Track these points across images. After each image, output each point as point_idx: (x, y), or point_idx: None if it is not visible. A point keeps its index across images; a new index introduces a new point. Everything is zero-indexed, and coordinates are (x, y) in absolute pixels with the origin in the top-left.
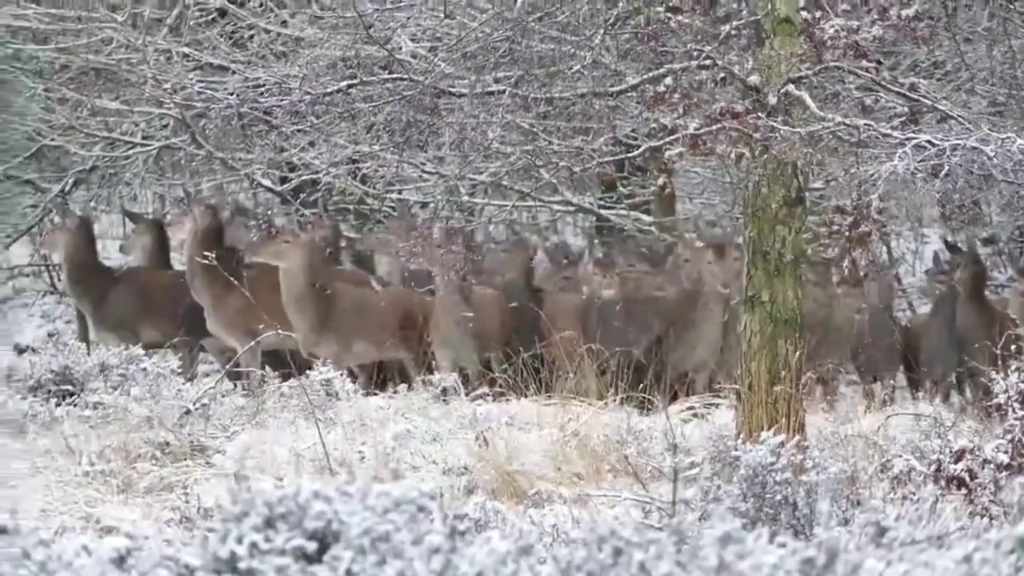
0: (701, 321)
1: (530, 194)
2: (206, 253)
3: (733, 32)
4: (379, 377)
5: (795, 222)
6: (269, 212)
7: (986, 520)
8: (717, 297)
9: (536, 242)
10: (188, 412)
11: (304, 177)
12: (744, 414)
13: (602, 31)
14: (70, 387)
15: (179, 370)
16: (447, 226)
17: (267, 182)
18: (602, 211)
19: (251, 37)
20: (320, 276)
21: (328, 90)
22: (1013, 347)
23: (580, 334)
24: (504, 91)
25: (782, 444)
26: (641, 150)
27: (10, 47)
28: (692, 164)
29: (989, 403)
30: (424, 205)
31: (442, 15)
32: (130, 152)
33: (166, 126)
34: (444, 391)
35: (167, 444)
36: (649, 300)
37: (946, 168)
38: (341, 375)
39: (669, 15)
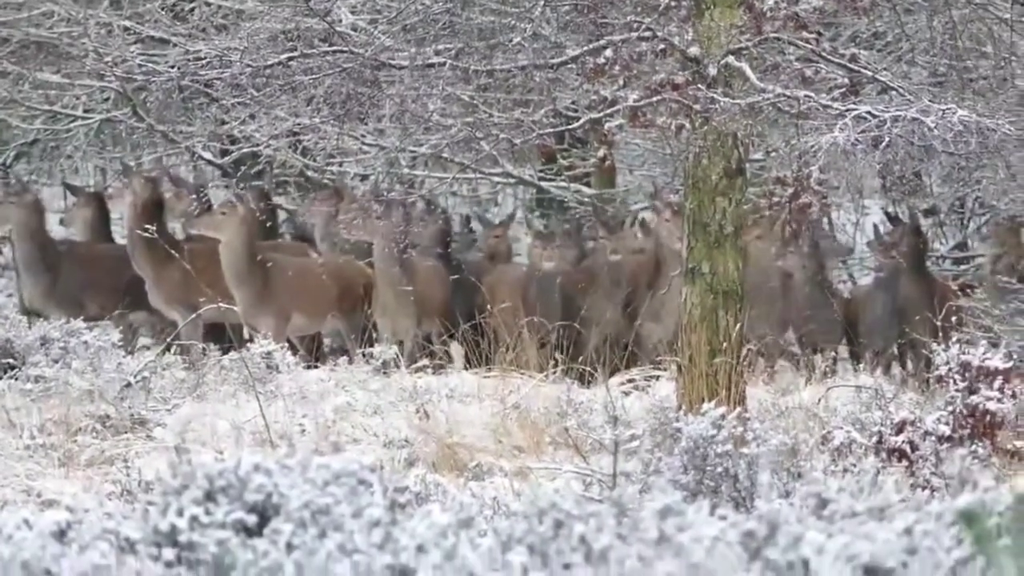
0: (665, 284)
1: (470, 166)
2: (146, 226)
3: (673, 3)
4: (318, 349)
5: (735, 194)
6: (204, 186)
7: (927, 492)
8: (677, 257)
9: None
10: (129, 385)
11: (245, 150)
12: (684, 386)
13: (542, 3)
14: (11, 360)
15: (120, 343)
16: (386, 197)
17: (208, 155)
18: (542, 183)
19: (192, 10)
20: (259, 248)
21: (268, 63)
22: (954, 319)
23: (521, 306)
24: (444, 63)
25: (723, 416)
26: (581, 122)
27: None
28: (632, 136)
29: (930, 375)
30: (364, 177)
31: None
32: (71, 125)
33: (107, 99)
34: (384, 363)
35: (108, 417)
36: (611, 267)
37: (886, 139)
38: (281, 348)
39: None
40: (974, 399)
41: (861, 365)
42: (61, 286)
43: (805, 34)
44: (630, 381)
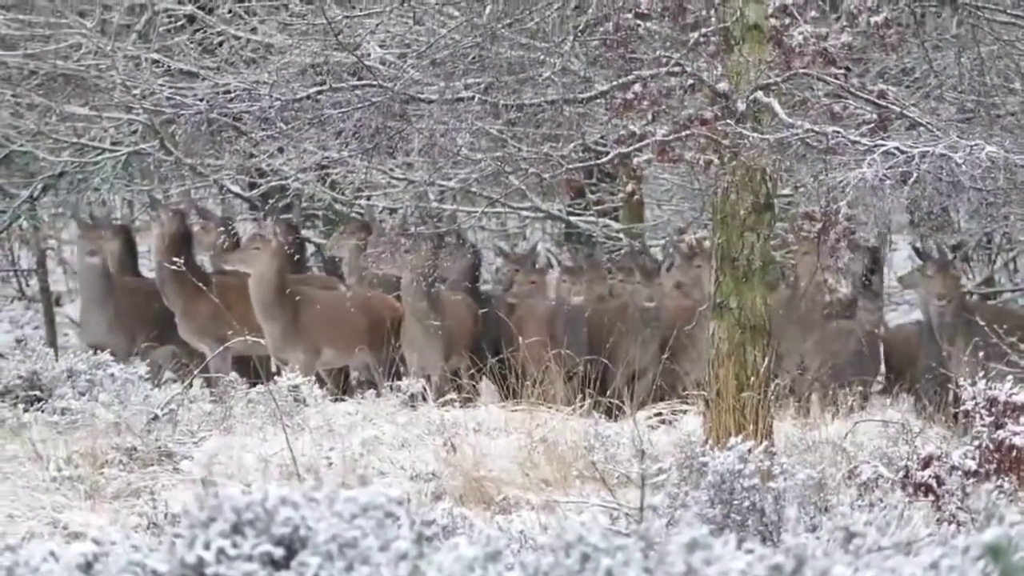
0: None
1: (499, 200)
2: (174, 259)
3: (702, 39)
4: (345, 382)
5: (763, 228)
6: (231, 219)
7: (954, 527)
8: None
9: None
10: (156, 418)
11: (273, 183)
12: (712, 420)
13: (571, 38)
14: (38, 393)
15: (147, 376)
16: (415, 231)
17: (236, 188)
18: (571, 217)
19: (220, 43)
20: (288, 282)
21: (297, 96)
22: (981, 354)
23: (548, 340)
24: (473, 97)
25: (750, 450)
26: (610, 156)
27: None
28: (661, 171)
29: (957, 410)
30: (393, 211)
31: (411, 21)
32: (99, 158)
33: (135, 132)
34: (412, 397)
35: (135, 450)
36: (644, 311)
37: (915, 175)
38: (309, 381)
39: (638, 22)
40: (1000, 434)
41: (889, 399)
42: (119, 319)
43: (833, 70)
44: (657, 415)
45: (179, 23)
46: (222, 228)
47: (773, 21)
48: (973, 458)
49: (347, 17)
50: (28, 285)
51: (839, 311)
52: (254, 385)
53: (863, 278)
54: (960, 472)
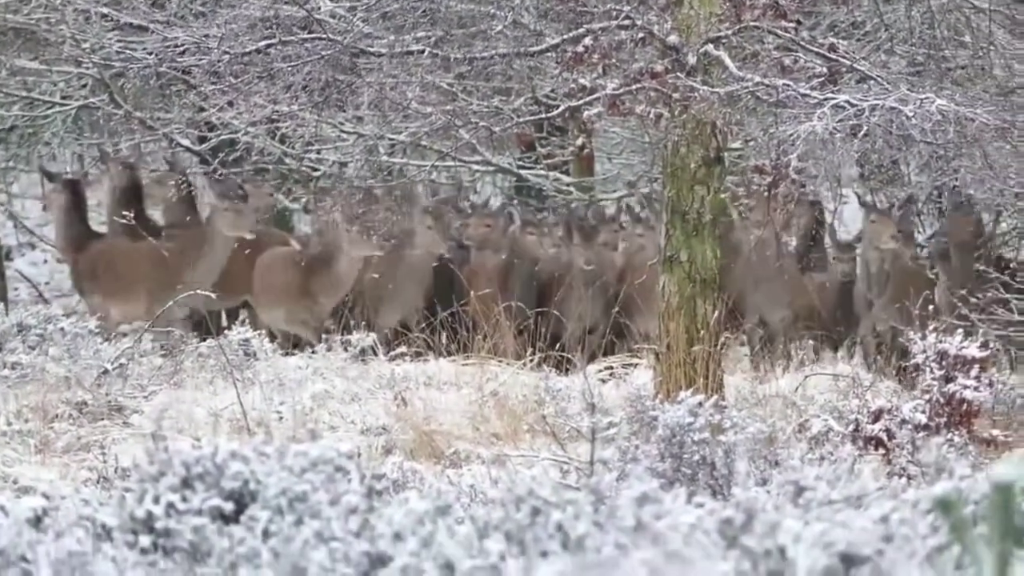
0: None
1: (449, 154)
2: (124, 212)
3: None
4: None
5: (714, 182)
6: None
7: (904, 480)
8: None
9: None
10: (106, 372)
11: (223, 137)
12: (662, 374)
13: None
14: None
15: (96, 330)
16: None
17: (186, 142)
18: (521, 171)
19: None
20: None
21: (247, 50)
22: (930, 307)
23: (499, 294)
24: (423, 51)
25: (700, 404)
26: (560, 110)
27: None
28: (611, 124)
29: (907, 363)
30: (343, 165)
31: None
32: (49, 112)
33: (85, 86)
34: (362, 351)
35: (85, 404)
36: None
37: (865, 128)
38: (259, 334)
39: None
40: (951, 387)
41: (839, 353)
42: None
43: (784, 23)
44: (608, 369)
45: None
46: (174, 182)
47: None
48: (923, 412)
49: None
50: None
51: (799, 264)
52: (204, 339)
53: (811, 232)
54: (910, 426)
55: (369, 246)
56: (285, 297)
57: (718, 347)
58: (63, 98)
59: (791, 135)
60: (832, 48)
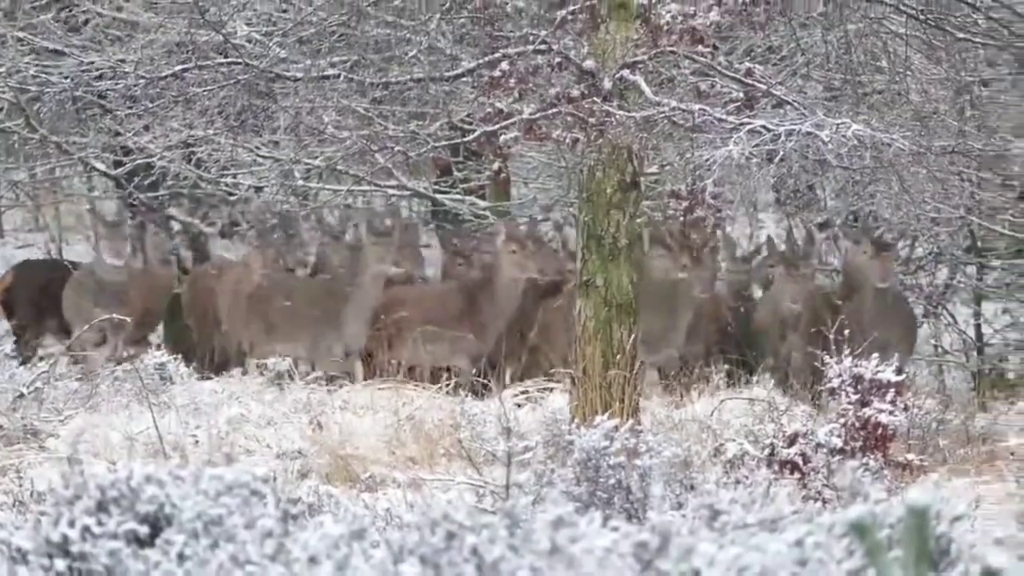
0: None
1: (365, 178)
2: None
3: (569, 16)
4: (212, 361)
5: (630, 207)
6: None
7: (819, 504)
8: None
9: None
10: (21, 396)
11: (138, 161)
12: (578, 398)
13: (437, 15)
14: None
15: (13, 354)
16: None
17: (101, 166)
18: (437, 196)
19: (86, 22)
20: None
21: (163, 74)
22: (846, 331)
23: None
24: (339, 75)
25: (616, 428)
26: (476, 135)
27: None
28: (527, 149)
29: (822, 388)
30: (259, 189)
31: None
32: None
33: (1, 110)
34: (278, 375)
35: (0, 428)
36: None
37: (781, 153)
38: (175, 359)
39: None
40: (866, 412)
41: (755, 378)
42: None
43: (701, 48)
44: (524, 393)
45: (45, 1)
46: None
47: None
48: (839, 436)
49: None
50: None
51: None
52: (120, 363)
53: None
54: (826, 450)
55: (529, 268)
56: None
57: (634, 372)
58: None
59: (707, 160)
60: (748, 73)
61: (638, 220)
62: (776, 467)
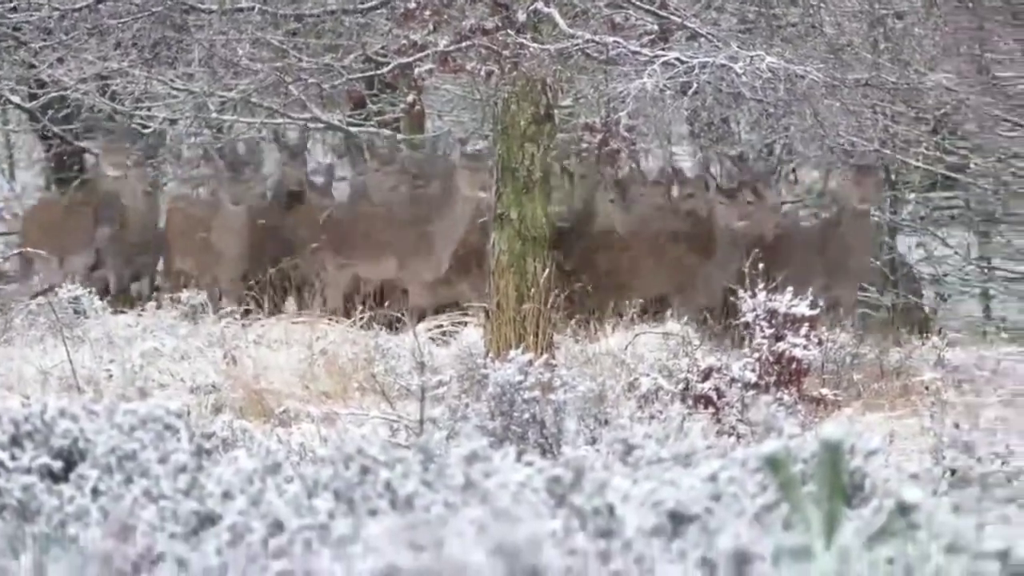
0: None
1: (279, 111)
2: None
3: None
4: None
5: (544, 139)
6: None
7: (733, 439)
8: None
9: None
10: None
11: (53, 94)
12: (492, 332)
13: None
14: None
15: None
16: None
17: (16, 99)
18: (351, 128)
19: None
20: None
21: (77, 6)
22: (760, 266)
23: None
24: (253, 7)
25: (530, 362)
26: (391, 67)
27: None
28: (442, 81)
29: (737, 322)
30: (173, 122)
31: None
32: None
33: None
34: (193, 309)
35: None
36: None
37: (695, 86)
38: (89, 292)
39: None
40: (780, 346)
41: (669, 312)
42: None
43: None
44: (438, 327)
45: None
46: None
47: None
48: (753, 370)
49: None
50: None
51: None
52: (35, 296)
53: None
54: (740, 384)
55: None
56: None
57: (548, 305)
58: None
59: (621, 92)
60: (663, 5)
61: (552, 153)
62: (690, 402)
